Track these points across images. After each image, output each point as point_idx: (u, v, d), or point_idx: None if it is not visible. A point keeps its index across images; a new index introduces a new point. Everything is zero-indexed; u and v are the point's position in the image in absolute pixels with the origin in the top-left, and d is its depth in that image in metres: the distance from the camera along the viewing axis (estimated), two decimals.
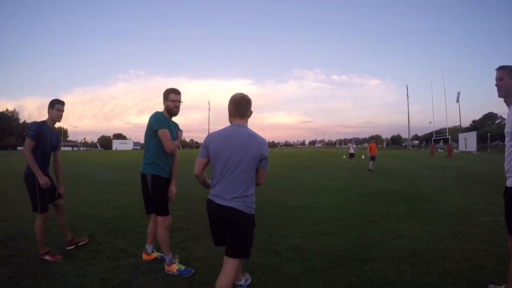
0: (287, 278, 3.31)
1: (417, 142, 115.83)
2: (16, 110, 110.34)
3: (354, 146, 31.56)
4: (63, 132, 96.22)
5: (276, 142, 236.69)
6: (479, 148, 53.02)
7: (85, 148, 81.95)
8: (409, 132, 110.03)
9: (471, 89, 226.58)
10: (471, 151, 49.00)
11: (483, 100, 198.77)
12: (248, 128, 2.56)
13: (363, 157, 27.73)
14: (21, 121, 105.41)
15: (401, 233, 4.90)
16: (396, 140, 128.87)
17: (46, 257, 3.78)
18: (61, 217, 4.24)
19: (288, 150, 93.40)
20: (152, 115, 3.50)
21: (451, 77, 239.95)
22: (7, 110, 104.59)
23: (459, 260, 3.75)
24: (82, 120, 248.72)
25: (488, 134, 58.96)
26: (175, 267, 3.45)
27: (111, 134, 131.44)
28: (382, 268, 3.54)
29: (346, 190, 9.88)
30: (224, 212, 2.42)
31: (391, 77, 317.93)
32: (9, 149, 52.03)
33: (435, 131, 68.97)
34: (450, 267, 3.53)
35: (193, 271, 3.43)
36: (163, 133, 3.40)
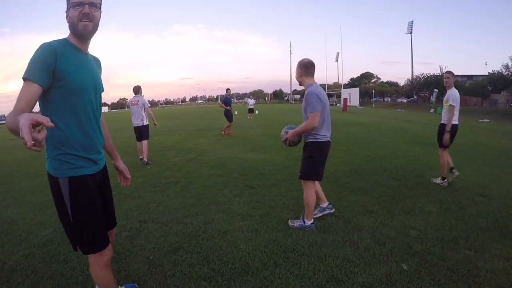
0: None
1: (299, 96, 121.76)
2: None
3: (253, 100, 27.70)
4: None
5: (156, 101, 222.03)
6: (361, 103, 56.48)
7: None
8: (291, 87, 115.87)
9: (348, 50, 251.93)
10: (355, 106, 51.67)
11: (360, 61, 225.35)
12: None
13: (235, 112, 25.12)
14: None
15: None
16: (278, 95, 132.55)
17: None
18: None
19: (169, 108, 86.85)
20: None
21: (331, 40, 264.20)
22: None
23: None
24: None
25: (373, 90, 64.48)
26: None
27: None
28: None
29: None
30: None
31: (275, 35, 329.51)
32: None
33: (327, 86, 72.62)
34: None
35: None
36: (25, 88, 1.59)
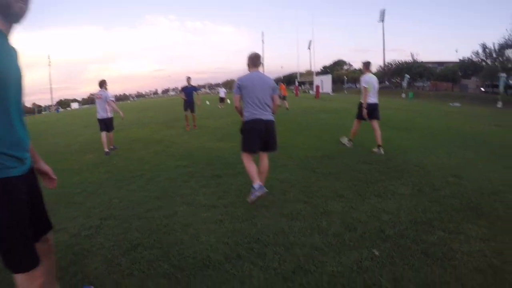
0: None
1: None
2: None
3: (224, 90, 27.84)
4: None
5: (128, 94, 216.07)
6: (333, 90, 56.94)
7: None
8: None
9: (320, 39, 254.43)
10: (328, 93, 51.97)
11: (332, 48, 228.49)
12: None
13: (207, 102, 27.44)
14: None
15: None
16: None
17: None
18: None
19: (140, 101, 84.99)
20: None
21: (304, 28, 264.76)
22: None
23: None
24: None
25: (346, 77, 65.20)
26: None
27: None
28: None
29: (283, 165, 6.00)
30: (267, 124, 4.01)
31: (247, 25, 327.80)
32: None
33: (299, 74, 72.85)
34: None
35: None
36: None
